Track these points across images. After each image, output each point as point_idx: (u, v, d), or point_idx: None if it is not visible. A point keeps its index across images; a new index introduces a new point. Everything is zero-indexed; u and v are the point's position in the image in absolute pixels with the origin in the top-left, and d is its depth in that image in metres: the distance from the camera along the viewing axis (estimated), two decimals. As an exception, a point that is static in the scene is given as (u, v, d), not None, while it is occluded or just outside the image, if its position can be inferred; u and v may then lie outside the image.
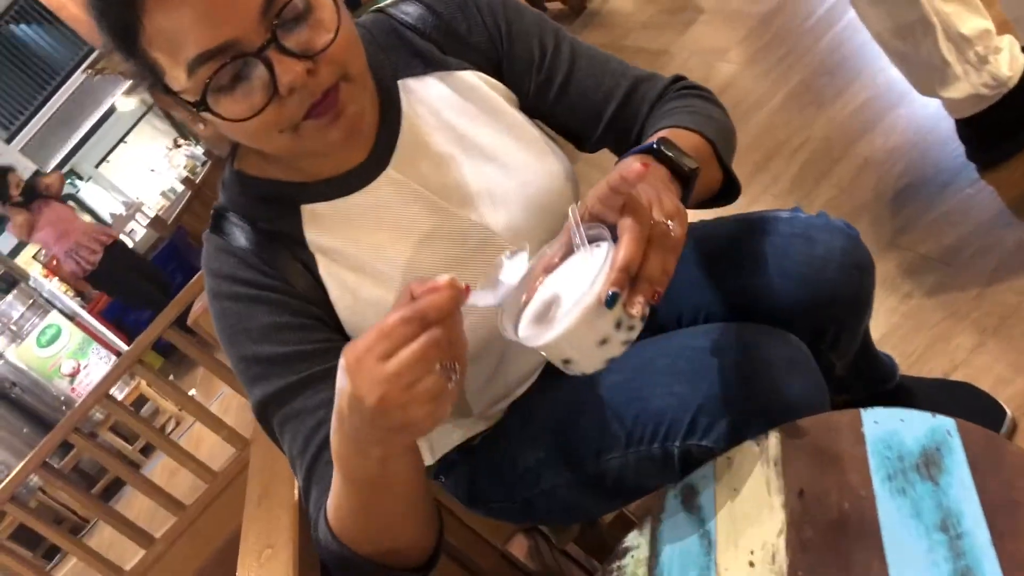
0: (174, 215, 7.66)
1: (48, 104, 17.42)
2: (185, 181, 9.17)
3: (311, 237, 0.86)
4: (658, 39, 3.19)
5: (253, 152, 0.86)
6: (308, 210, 0.86)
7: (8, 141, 13.34)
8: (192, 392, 4.15)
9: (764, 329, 0.84)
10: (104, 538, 4.01)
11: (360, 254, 0.86)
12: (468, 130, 0.90)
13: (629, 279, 0.63)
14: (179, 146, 20.59)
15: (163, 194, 19.27)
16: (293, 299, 0.83)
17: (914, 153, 1.65)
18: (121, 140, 20.11)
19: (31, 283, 4.96)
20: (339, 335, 0.85)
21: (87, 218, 4.73)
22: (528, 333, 0.65)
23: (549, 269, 0.68)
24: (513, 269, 0.65)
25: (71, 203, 4.96)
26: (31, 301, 4.74)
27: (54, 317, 4.77)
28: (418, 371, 0.57)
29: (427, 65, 0.91)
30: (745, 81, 2.38)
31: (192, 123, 0.80)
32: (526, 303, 0.67)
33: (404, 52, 0.91)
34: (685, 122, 0.85)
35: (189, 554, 3.13)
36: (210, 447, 3.54)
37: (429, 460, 1.05)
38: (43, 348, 4.66)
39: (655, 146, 0.77)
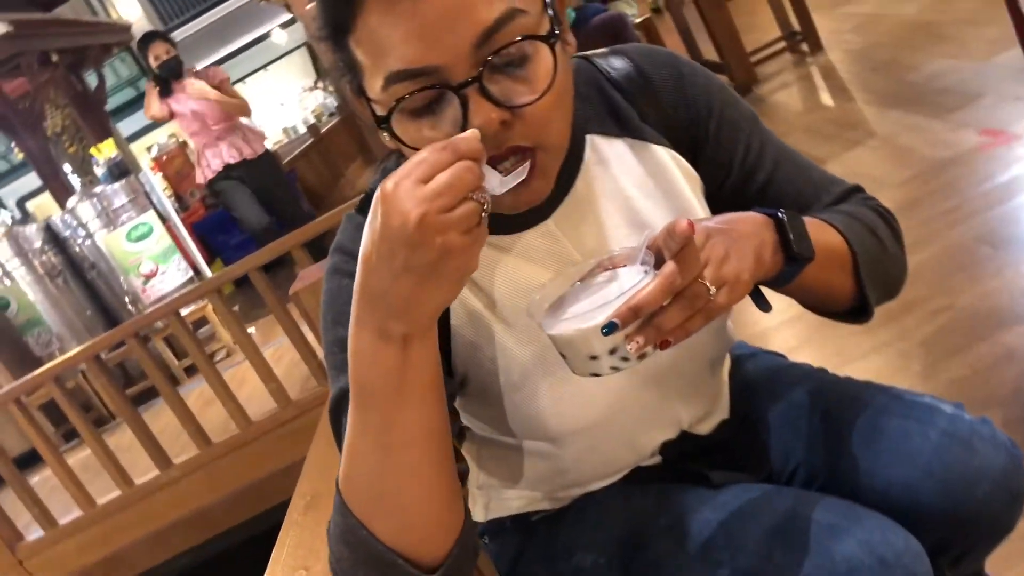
0: (291, 156, 7.80)
1: (212, 11, 18.04)
2: (311, 128, 9.35)
3: None
4: (819, 148, 3.08)
5: None
6: None
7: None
8: (251, 331, 4.16)
9: (890, 525, 0.76)
10: (123, 440, 4.05)
11: (490, 286, 0.81)
12: (642, 208, 0.84)
13: (638, 318, 0.63)
14: (314, 89, 21.11)
15: (284, 130, 19.78)
16: None
17: (1068, 364, 1.53)
18: (263, 67, 20.71)
19: (140, 176, 5.06)
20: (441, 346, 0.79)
21: (244, 121, 4.62)
22: (539, 315, 0.68)
23: (605, 268, 0.70)
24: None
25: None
26: (134, 195, 4.83)
27: (150, 216, 4.86)
28: (457, 192, 0.57)
29: (621, 128, 0.85)
30: (899, 220, 2.26)
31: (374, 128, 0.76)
32: (568, 292, 0.70)
33: (601, 107, 0.85)
34: (837, 221, 0.80)
35: (200, 491, 3.13)
36: (250, 392, 3.55)
37: (481, 517, 0.99)
38: (131, 243, 4.76)
39: (780, 214, 0.73)
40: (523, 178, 0.68)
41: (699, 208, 0.85)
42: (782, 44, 4.60)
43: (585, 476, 0.91)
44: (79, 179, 10.30)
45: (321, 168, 8.45)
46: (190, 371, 4.63)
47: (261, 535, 3.15)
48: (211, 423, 3.31)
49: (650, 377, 0.84)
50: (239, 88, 17.68)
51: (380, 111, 0.70)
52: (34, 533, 3.26)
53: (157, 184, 5.12)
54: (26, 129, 8.70)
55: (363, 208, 0.84)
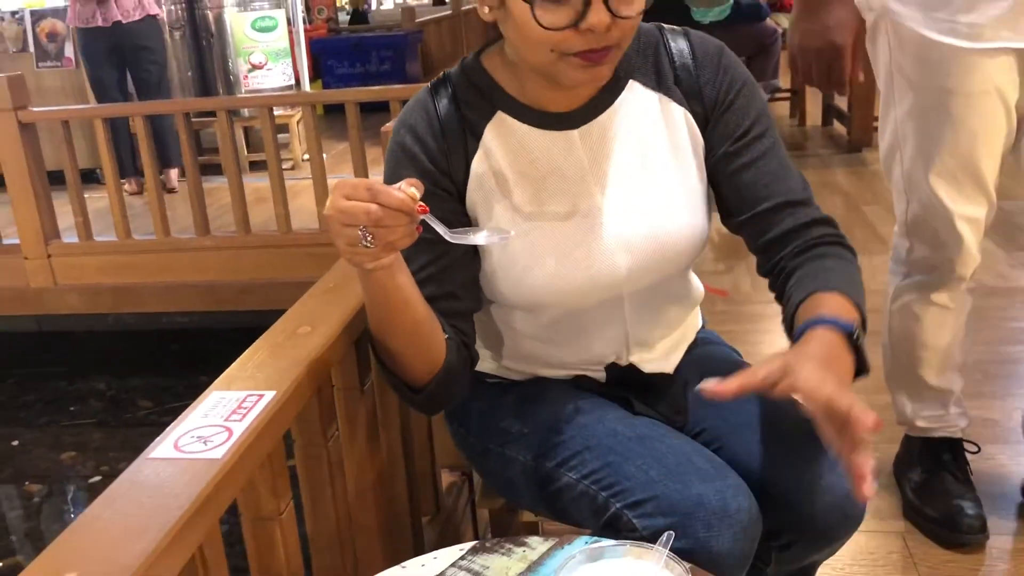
0: (424, 18, 7.94)
1: None
2: (451, 4, 9.37)
3: (487, 136, 1.02)
4: (882, 222, 3.20)
5: (497, 55, 1.01)
6: (500, 116, 1.02)
7: None
8: (325, 157, 4.39)
9: (744, 488, 0.96)
10: (175, 199, 4.32)
11: (507, 170, 1.02)
12: (653, 149, 1.04)
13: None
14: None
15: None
16: (441, 173, 1.01)
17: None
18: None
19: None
20: (462, 209, 1.02)
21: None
22: None
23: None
24: (477, 236, 0.90)
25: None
26: (273, -11, 5.03)
27: (279, 13, 5.05)
28: (345, 219, 0.82)
29: (659, 84, 1.05)
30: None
31: (481, 3, 0.94)
32: None
33: (650, 63, 1.05)
34: (854, 296, 0.96)
35: (223, 266, 3.40)
36: (299, 206, 3.78)
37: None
38: (253, 30, 4.96)
39: (855, 334, 0.90)
40: (507, 238, 0.95)
41: (697, 169, 1.05)
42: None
43: (539, 356, 1.12)
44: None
45: (445, 40, 8.57)
46: (254, 167, 4.88)
47: (258, 328, 3.43)
48: (256, 218, 3.56)
49: (620, 280, 1.04)
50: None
51: None
52: (69, 238, 3.55)
53: (298, -12, 5.28)
54: None
55: (435, 88, 1.04)
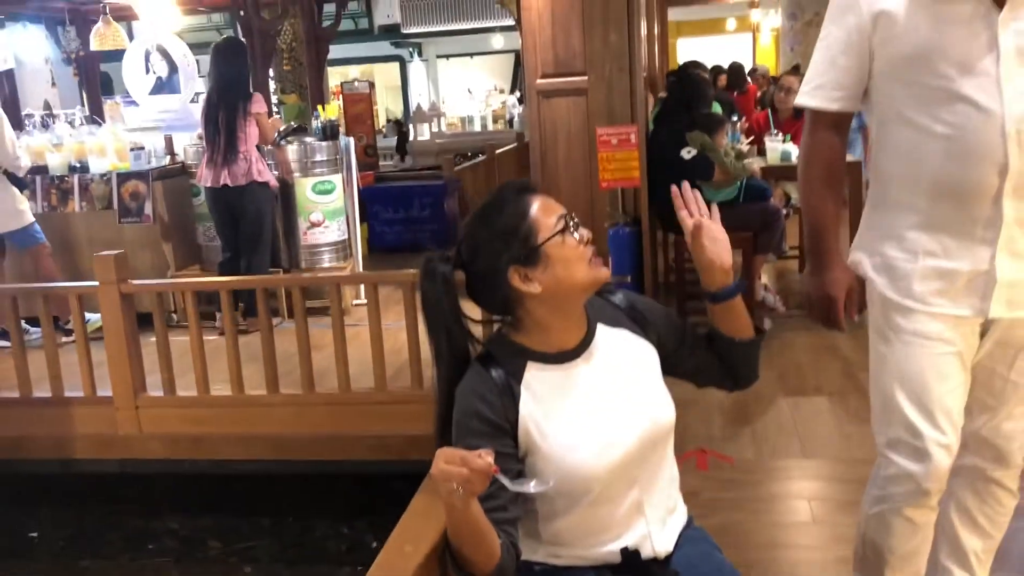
0: (461, 167, 8.61)
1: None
2: (486, 149, 10.05)
3: (526, 380, 1.53)
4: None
5: (511, 330, 1.59)
6: (531, 365, 1.55)
7: None
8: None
9: None
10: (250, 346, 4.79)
11: (546, 396, 1.54)
12: (633, 361, 1.60)
13: None
14: (503, 93, 22.05)
15: (460, 119, 20.72)
16: (502, 420, 1.50)
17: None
18: (470, 54, 21.76)
19: (343, 143, 5.87)
20: (513, 444, 1.51)
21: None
22: None
23: None
24: (527, 486, 1.34)
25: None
26: (334, 157, 5.65)
27: (336, 178, 5.67)
28: (444, 478, 1.25)
29: (618, 323, 1.64)
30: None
31: (525, 284, 1.51)
32: None
33: (607, 309, 1.65)
34: None
35: (289, 419, 3.86)
36: (352, 353, 4.19)
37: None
38: (314, 193, 5.56)
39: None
40: (547, 487, 1.39)
41: (658, 375, 1.64)
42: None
43: (577, 541, 1.57)
44: (277, 98, 11.38)
45: (480, 182, 9.23)
46: (311, 311, 5.37)
47: (317, 476, 3.87)
48: (316, 363, 4.00)
49: (634, 458, 1.53)
50: (441, 62, 18.88)
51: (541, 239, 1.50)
52: (154, 390, 4.04)
53: (353, 150, 5.89)
54: (263, 36, 9.70)
55: (483, 361, 1.56)
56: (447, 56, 22.39)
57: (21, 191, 5.35)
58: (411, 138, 17.15)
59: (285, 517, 4.10)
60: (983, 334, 1.86)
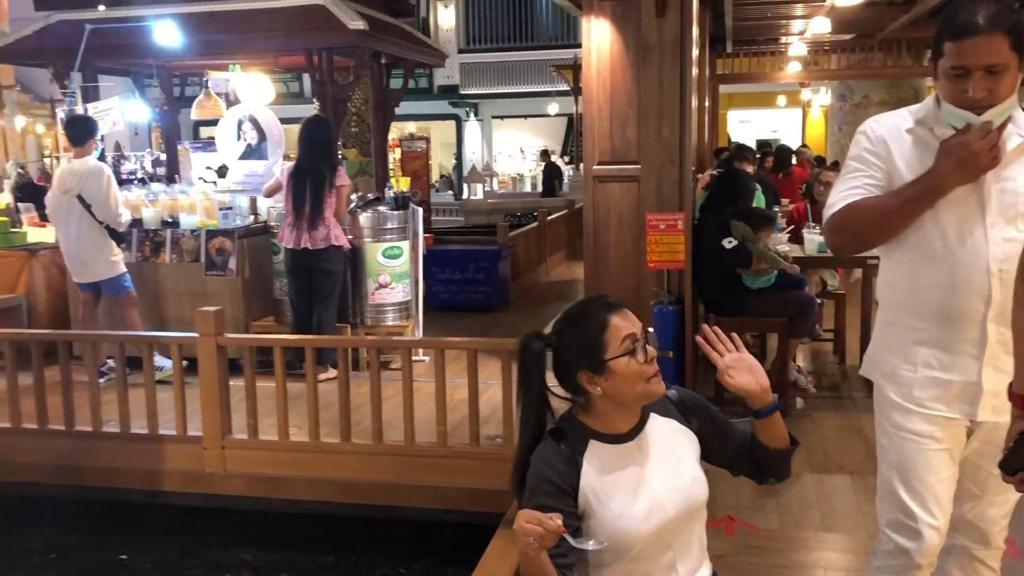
0: (514, 233, 9.12)
1: (509, 52, 19.84)
2: (538, 218, 10.51)
3: (587, 455, 1.93)
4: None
5: (581, 412, 1.97)
6: (592, 443, 1.94)
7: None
8: (427, 359, 5.28)
9: None
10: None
11: (605, 470, 1.92)
12: (677, 448, 1.98)
13: None
14: (554, 155, 22.70)
15: (511, 177, 21.30)
16: (567, 485, 1.90)
17: None
18: (524, 116, 22.45)
19: (412, 212, 6.38)
20: (574, 504, 1.90)
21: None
22: None
23: None
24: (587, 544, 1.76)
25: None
26: (403, 225, 6.16)
27: (404, 244, 6.17)
28: (524, 535, 1.64)
29: (668, 414, 2.02)
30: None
31: (591, 386, 1.90)
32: None
33: (663, 401, 2.00)
34: None
35: (358, 466, 4.29)
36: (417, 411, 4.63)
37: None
38: (383, 257, 6.07)
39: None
40: (603, 545, 1.81)
41: (696, 461, 1.99)
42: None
43: None
44: (345, 159, 12.01)
45: (531, 248, 9.72)
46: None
47: (379, 520, 4.27)
48: (382, 413, 4.42)
49: (672, 525, 1.91)
50: (496, 122, 19.57)
51: (608, 356, 1.87)
52: (239, 433, 4.51)
53: (420, 219, 6.39)
54: (335, 101, 10.32)
55: (554, 435, 1.96)
56: (502, 117, 23.17)
57: (119, 244, 5.93)
58: (464, 196, 17.79)
59: (348, 556, 4.51)
60: (969, 434, 2.25)
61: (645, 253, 5.16)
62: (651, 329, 1.97)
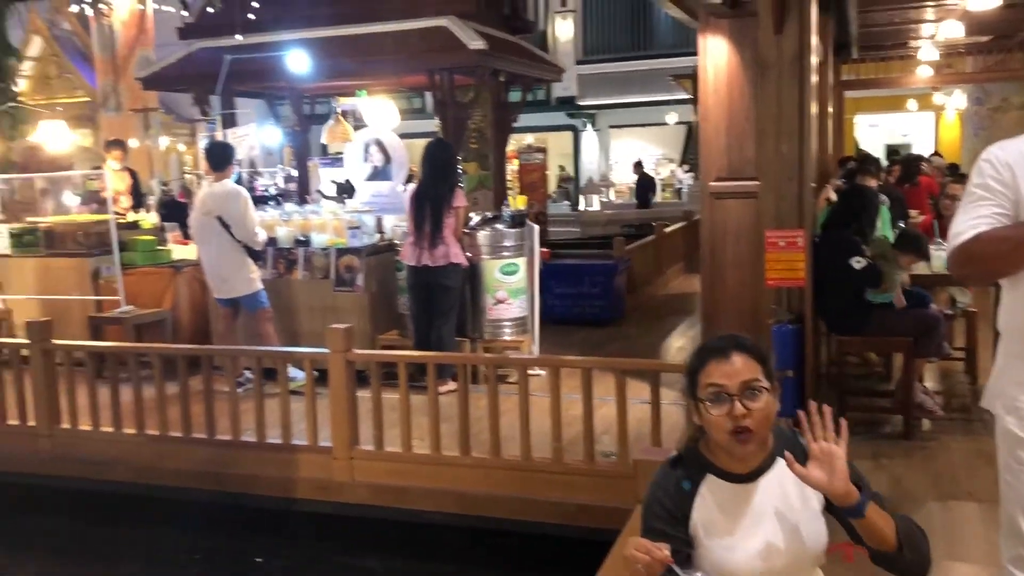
0: (631, 247, 9.14)
1: (627, 62, 19.86)
2: (656, 230, 10.48)
3: (704, 488, 1.96)
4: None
5: (704, 445, 1.99)
6: (709, 477, 1.97)
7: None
8: (542, 372, 5.39)
9: None
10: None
11: (717, 504, 1.95)
12: (800, 498, 1.95)
13: None
14: (672, 163, 22.50)
15: (628, 187, 21.23)
16: (674, 511, 1.95)
17: None
18: (642, 125, 22.37)
19: (528, 229, 6.51)
20: (685, 531, 1.94)
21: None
22: None
23: None
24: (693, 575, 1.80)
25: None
26: (520, 243, 6.30)
27: (521, 261, 6.31)
28: (633, 560, 1.74)
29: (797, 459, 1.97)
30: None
31: (694, 415, 1.95)
32: None
33: (797, 446, 1.96)
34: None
35: (475, 478, 4.43)
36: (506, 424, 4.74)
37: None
38: (500, 273, 6.23)
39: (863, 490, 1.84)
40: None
41: (819, 513, 1.95)
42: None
43: None
44: (465, 173, 12.29)
45: (648, 261, 9.71)
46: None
47: (496, 532, 4.40)
48: (502, 426, 4.55)
49: (779, 574, 1.94)
50: (614, 130, 19.62)
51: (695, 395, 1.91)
52: (366, 444, 4.73)
53: (537, 236, 6.52)
54: (456, 121, 10.60)
55: (673, 463, 2.01)
56: (619, 126, 23.14)
57: (255, 262, 6.29)
58: (580, 207, 17.87)
59: (466, 566, 4.66)
60: None
61: (763, 270, 5.11)
62: (765, 384, 1.90)
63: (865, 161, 7.26)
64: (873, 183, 6.14)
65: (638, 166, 19.22)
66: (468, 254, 6.14)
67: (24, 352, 5.45)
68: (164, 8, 11.53)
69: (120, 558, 5.13)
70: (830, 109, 9.88)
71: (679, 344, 7.64)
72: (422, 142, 6.37)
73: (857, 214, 5.17)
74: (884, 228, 5.91)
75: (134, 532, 5.21)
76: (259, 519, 4.91)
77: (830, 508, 1.97)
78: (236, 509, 4.92)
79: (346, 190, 7.18)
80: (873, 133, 20.74)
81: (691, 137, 21.27)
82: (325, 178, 7.62)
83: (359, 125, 7.49)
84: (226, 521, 4.96)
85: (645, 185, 17.88)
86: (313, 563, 4.85)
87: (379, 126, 7.01)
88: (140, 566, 5.03)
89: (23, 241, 7.24)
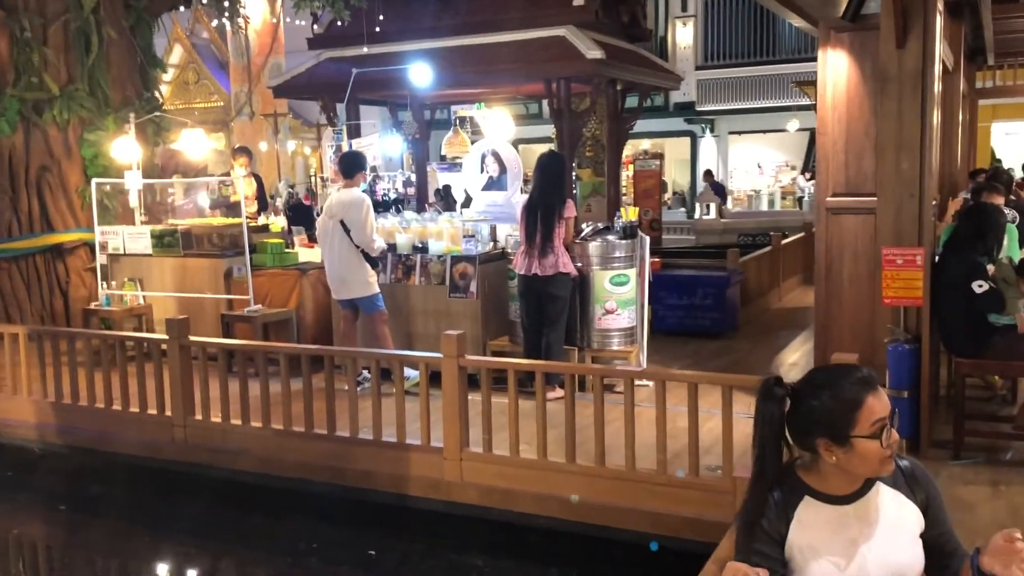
0: (745, 258, 9.03)
1: (748, 67, 19.49)
2: (772, 241, 10.32)
3: (799, 511, 2.01)
4: None
5: (802, 469, 2.04)
6: (807, 499, 2.02)
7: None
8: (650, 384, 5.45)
9: None
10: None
11: (814, 528, 2.00)
12: (898, 521, 1.99)
13: None
14: (795, 171, 21.95)
15: (747, 194, 20.85)
16: (772, 532, 2.00)
17: None
18: (763, 131, 21.94)
19: (639, 239, 6.57)
20: (781, 552, 2.00)
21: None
22: None
23: None
24: None
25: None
26: (631, 253, 6.37)
27: (631, 272, 6.37)
28: None
29: (894, 483, 2.02)
30: None
31: (825, 454, 1.97)
32: None
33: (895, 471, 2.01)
34: None
35: (578, 484, 4.53)
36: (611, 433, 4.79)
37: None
38: (610, 284, 6.31)
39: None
40: None
41: (917, 536, 1.98)
42: None
43: None
44: (574, 174, 12.38)
45: (763, 273, 9.58)
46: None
47: (600, 539, 4.49)
48: (607, 436, 4.64)
49: None
50: (733, 137, 19.43)
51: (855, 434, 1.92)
52: (475, 446, 4.90)
53: (648, 247, 6.55)
54: (571, 127, 10.72)
55: (770, 486, 2.05)
56: (739, 132, 22.78)
57: (373, 268, 6.57)
58: (696, 215, 17.69)
59: (570, 570, 4.77)
60: None
61: (880, 288, 5.02)
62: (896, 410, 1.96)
63: (993, 177, 6.99)
64: (1000, 200, 5.91)
65: (708, 175, 19.31)
66: (578, 264, 6.25)
67: (163, 347, 5.87)
68: (297, 22, 12.10)
69: (246, 543, 5.47)
70: (960, 118, 9.50)
71: (791, 360, 7.53)
72: (538, 147, 6.54)
73: (982, 234, 5.01)
74: (1012, 247, 5.69)
75: (259, 519, 5.55)
76: (374, 513, 5.15)
77: (925, 537, 2.00)
78: (353, 502, 5.17)
79: (444, 197, 7.41)
80: (1011, 141, 19.72)
81: (814, 144, 20.69)
82: (442, 181, 7.89)
83: (475, 136, 7.71)
84: (343, 514, 5.23)
85: (715, 193, 18.01)
86: (424, 558, 5.06)
87: (495, 137, 7.20)
88: (264, 552, 5.36)
89: (163, 242, 7.76)
